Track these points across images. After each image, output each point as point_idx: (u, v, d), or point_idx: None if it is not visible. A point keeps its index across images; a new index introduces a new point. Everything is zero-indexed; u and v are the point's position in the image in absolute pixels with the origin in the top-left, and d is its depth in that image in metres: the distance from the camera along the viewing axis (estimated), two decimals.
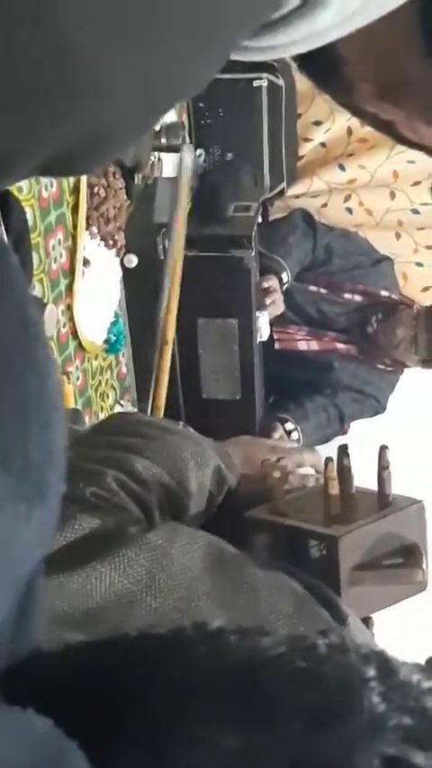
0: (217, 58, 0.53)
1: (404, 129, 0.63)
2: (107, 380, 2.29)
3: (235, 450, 1.19)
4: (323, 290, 3.14)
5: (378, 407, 3.16)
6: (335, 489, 1.11)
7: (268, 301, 2.77)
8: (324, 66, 0.61)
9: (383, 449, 1.14)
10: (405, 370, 3.17)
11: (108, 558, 0.88)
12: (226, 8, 0.49)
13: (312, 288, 3.13)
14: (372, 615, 1.12)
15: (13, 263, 0.43)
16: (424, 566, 1.08)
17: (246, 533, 1.13)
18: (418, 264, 3.38)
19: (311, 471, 1.21)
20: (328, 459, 1.12)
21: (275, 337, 3.01)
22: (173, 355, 2.40)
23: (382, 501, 1.12)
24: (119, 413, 1.72)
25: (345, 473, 1.12)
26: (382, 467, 1.12)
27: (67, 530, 0.89)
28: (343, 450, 1.14)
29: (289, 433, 2.90)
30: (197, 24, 0.48)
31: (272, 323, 2.84)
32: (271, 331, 2.85)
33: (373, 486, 1.12)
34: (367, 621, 1.09)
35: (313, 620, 0.93)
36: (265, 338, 2.75)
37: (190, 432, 1.16)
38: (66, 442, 0.42)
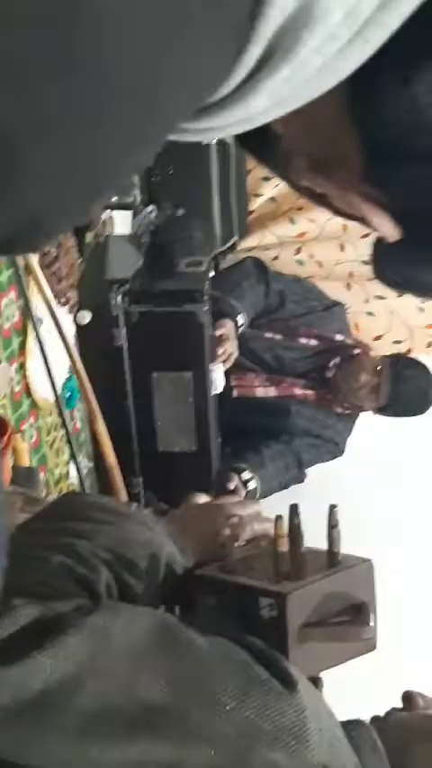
0: (153, 144, 0.54)
1: (338, 202, 0.64)
2: (62, 437, 2.28)
3: (188, 526, 1.19)
4: (278, 336, 3.16)
5: (336, 451, 3.17)
6: (284, 547, 1.11)
7: (220, 351, 2.77)
8: (260, 141, 0.62)
9: (332, 508, 1.14)
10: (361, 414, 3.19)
11: (48, 647, 0.86)
12: (160, 98, 0.49)
13: (268, 334, 3.15)
14: (321, 675, 1.11)
15: None
16: (372, 623, 1.07)
17: (196, 592, 1.12)
18: (369, 314, 3.42)
19: (262, 531, 1.21)
20: (278, 517, 1.12)
21: (234, 384, 3.02)
22: (129, 409, 2.41)
23: (332, 559, 1.12)
24: (69, 495, 1.69)
25: (295, 532, 1.12)
26: (332, 525, 1.12)
27: (6, 622, 0.88)
28: (293, 510, 1.15)
29: (246, 482, 2.89)
30: (133, 115, 0.49)
31: (229, 371, 2.85)
32: (228, 379, 2.86)
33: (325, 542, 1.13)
34: (316, 682, 1.08)
35: (263, 692, 0.92)
36: (220, 390, 2.75)
37: (142, 515, 1.15)
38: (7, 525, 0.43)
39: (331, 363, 3.13)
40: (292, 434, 3.09)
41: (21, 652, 0.86)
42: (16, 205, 0.48)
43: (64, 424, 2.19)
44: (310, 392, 3.15)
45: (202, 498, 1.27)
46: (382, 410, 3.10)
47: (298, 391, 3.14)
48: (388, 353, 3.21)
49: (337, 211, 0.66)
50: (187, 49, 0.48)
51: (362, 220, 0.64)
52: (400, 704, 1.14)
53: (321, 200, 0.66)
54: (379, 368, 3.05)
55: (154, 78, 0.48)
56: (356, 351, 3.17)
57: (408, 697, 1.13)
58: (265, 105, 0.54)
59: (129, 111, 0.48)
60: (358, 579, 1.10)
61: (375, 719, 1.11)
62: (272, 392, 3.14)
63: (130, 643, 0.89)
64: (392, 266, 0.67)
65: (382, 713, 1.14)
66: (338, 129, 0.58)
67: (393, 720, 1.12)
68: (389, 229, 0.62)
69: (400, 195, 0.60)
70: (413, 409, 3.08)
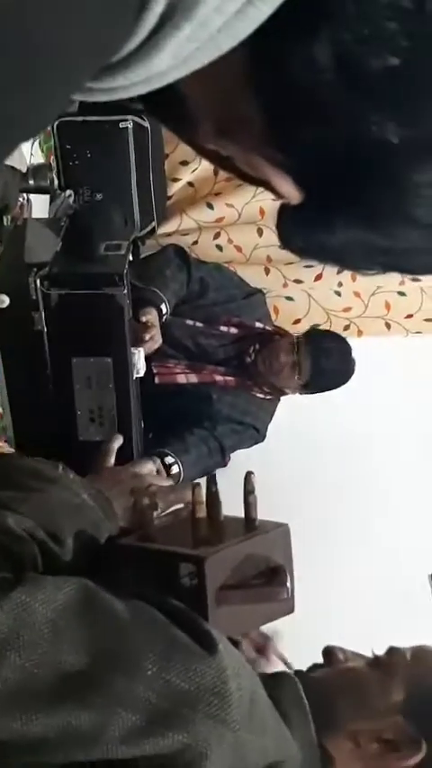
0: (57, 100, 0.55)
1: (243, 165, 0.65)
2: None
3: (112, 485, 1.20)
4: (199, 324, 3.17)
5: (257, 437, 3.20)
6: (202, 513, 1.13)
7: (147, 337, 2.77)
8: (166, 104, 0.63)
9: (249, 474, 1.16)
10: (282, 398, 3.22)
11: None
12: (61, 53, 0.50)
13: (189, 322, 3.16)
14: (240, 638, 1.14)
15: None
16: (288, 584, 1.10)
17: (117, 561, 1.14)
18: (288, 298, 3.45)
19: (180, 500, 1.23)
20: (196, 485, 1.14)
21: (155, 371, 3.02)
22: (49, 395, 2.39)
23: (249, 525, 1.14)
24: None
25: (212, 499, 1.15)
26: (248, 491, 1.15)
27: None
28: (211, 478, 1.17)
29: (169, 466, 2.89)
30: (33, 69, 0.49)
31: (150, 358, 2.85)
32: (149, 366, 2.86)
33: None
34: (236, 644, 1.10)
35: (184, 655, 0.93)
36: (141, 374, 2.74)
37: (69, 479, 1.15)
38: None
39: (251, 349, 3.15)
40: (215, 421, 3.10)
41: None
42: None
43: None
44: (230, 378, 3.16)
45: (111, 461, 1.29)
46: (306, 387, 3.12)
47: (218, 378, 3.16)
48: (308, 330, 3.25)
49: (243, 175, 0.67)
50: (88, 10, 0.48)
51: (266, 184, 0.65)
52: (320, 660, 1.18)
53: (227, 164, 0.67)
54: (296, 346, 3.08)
55: (60, 46, 0.49)
56: (276, 336, 3.20)
57: (328, 652, 1.15)
58: (168, 64, 0.55)
59: (28, 63, 0.49)
60: (275, 543, 1.13)
61: (298, 673, 1.14)
62: (193, 379, 3.14)
63: (51, 616, 0.89)
64: (296, 230, 0.68)
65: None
66: (239, 91, 0.59)
67: (315, 676, 1.14)
68: (290, 191, 0.63)
69: (300, 157, 0.61)
70: (336, 380, 3.12)
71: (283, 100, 0.58)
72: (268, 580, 1.10)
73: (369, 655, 1.17)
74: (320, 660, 1.18)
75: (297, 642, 1.22)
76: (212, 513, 1.14)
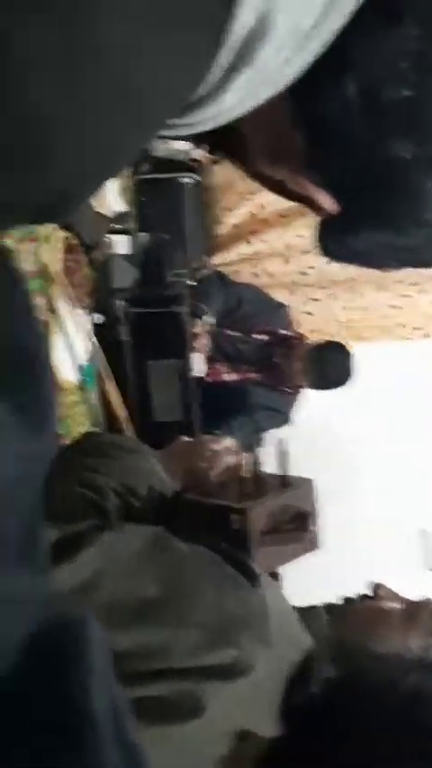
0: (149, 135, 0.55)
1: (292, 185, 0.63)
2: (82, 412, 2.27)
3: (177, 458, 1.20)
4: (237, 333, 3.17)
5: (286, 420, 3.17)
6: (247, 473, 1.13)
7: (196, 344, 2.79)
8: (232, 143, 0.63)
9: (281, 440, 1.16)
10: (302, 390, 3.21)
11: (70, 560, 0.86)
12: (155, 99, 0.50)
13: (229, 332, 3.16)
14: (279, 571, 1.12)
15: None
16: (313, 528, 1.09)
17: (183, 512, 1.14)
18: (308, 313, 3.43)
19: (231, 463, 1.22)
20: (241, 449, 1.13)
21: (206, 372, 3.03)
22: (130, 389, 2.41)
23: (283, 481, 1.14)
24: (89, 433, 1.71)
25: (254, 460, 1.14)
26: (281, 454, 1.14)
27: None
28: (251, 445, 1.16)
29: None
30: (135, 109, 0.49)
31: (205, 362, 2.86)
32: None
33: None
34: (276, 575, 1.09)
35: (234, 585, 0.91)
36: (201, 374, 2.76)
37: (144, 449, 1.16)
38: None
39: (276, 353, 3.13)
40: (253, 409, 3.09)
41: (49, 564, 0.86)
42: (52, 179, 0.49)
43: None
44: (262, 375, 3.14)
45: (185, 439, 1.29)
46: (316, 386, 3.10)
47: (254, 376, 3.14)
48: (317, 341, 3.21)
49: (291, 194, 0.65)
50: (175, 59, 0.48)
51: (310, 200, 0.63)
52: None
53: (279, 187, 0.65)
54: (306, 354, 3.05)
55: (151, 90, 0.48)
56: (296, 341, 3.17)
57: (375, 586, 1.11)
58: (233, 102, 0.54)
59: (133, 108, 0.48)
60: (302, 495, 1.12)
61: (329, 606, 1.10)
62: (235, 377, 3.14)
63: (130, 553, 0.89)
64: (330, 238, 0.65)
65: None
66: (286, 125, 0.58)
67: (344, 607, 1.09)
68: (329, 204, 0.62)
69: (335, 175, 0.60)
70: (334, 383, 3.06)
71: (319, 130, 0.57)
72: (298, 525, 1.09)
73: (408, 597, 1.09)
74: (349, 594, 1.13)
75: (323, 572, 1.19)
76: (254, 473, 1.14)
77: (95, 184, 0.55)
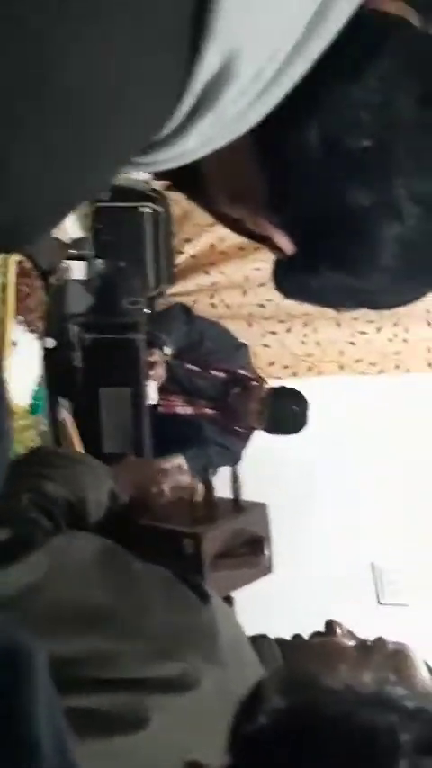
0: (111, 172, 0.55)
1: (249, 224, 0.64)
2: (31, 437, 2.23)
3: (124, 472, 1.19)
4: (195, 368, 3.16)
5: (236, 459, 3.08)
6: (199, 498, 1.11)
7: (152, 372, 2.77)
8: (189, 177, 0.63)
9: (235, 466, 1.15)
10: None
11: (19, 561, 0.86)
12: (119, 138, 0.50)
13: (187, 365, 3.15)
14: (232, 595, 1.11)
15: None
16: (267, 552, 1.08)
17: (133, 536, 1.11)
18: (265, 345, 3.44)
19: (183, 488, 1.21)
20: (193, 475, 1.12)
21: (160, 402, 3.00)
22: (80, 416, 2.36)
23: (236, 505, 1.12)
24: (39, 448, 1.69)
25: (207, 486, 1.13)
26: (234, 479, 1.13)
27: None
28: (205, 469, 1.15)
29: None
30: (97, 147, 0.49)
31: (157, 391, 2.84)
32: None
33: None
34: (229, 600, 1.08)
35: (184, 603, 0.91)
36: (153, 402, 2.73)
37: (90, 460, 1.15)
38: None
39: (233, 392, 3.11)
40: (205, 444, 3.06)
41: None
42: (7, 207, 0.48)
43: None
44: (217, 412, 3.13)
45: (134, 458, 1.28)
46: (270, 431, 3.08)
47: (208, 411, 3.13)
48: (275, 384, 3.19)
49: (249, 233, 0.66)
50: (140, 102, 0.49)
51: (267, 239, 0.64)
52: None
53: (237, 225, 0.66)
54: (263, 398, 3.04)
55: (114, 125, 0.48)
56: (254, 383, 3.16)
57: (329, 624, 1.08)
58: (195, 144, 0.55)
59: (96, 146, 0.49)
60: (256, 519, 1.11)
61: (279, 640, 1.08)
62: (189, 410, 3.12)
63: (82, 560, 0.88)
64: (287, 277, 0.66)
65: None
66: (247, 167, 0.59)
67: (301, 642, 1.08)
68: (286, 245, 0.62)
69: (293, 218, 0.61)
70: (286, 430, 3.06)
71: (280, 173, 0.58)
72: (252, 549, 1.08)
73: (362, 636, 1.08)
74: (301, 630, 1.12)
75: (275, 598, 1.18)
76: (207, 498, 1.12)
77: (53, 216, 0.55)
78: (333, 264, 0.62)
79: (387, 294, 0.64)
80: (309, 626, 1.11)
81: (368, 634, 1.07)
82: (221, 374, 3.16)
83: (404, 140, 0.54)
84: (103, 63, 0.45)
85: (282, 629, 1.11)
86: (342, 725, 0.63)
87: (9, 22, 0.42)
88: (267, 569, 1.10)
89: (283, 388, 3.14)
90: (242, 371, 3.20)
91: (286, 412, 3.01)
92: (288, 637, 1.09)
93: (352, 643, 1.05)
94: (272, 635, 1.08)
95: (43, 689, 0.40)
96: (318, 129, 0.54)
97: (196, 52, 0.48)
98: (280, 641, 1.07)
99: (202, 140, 0.54)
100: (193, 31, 0.47)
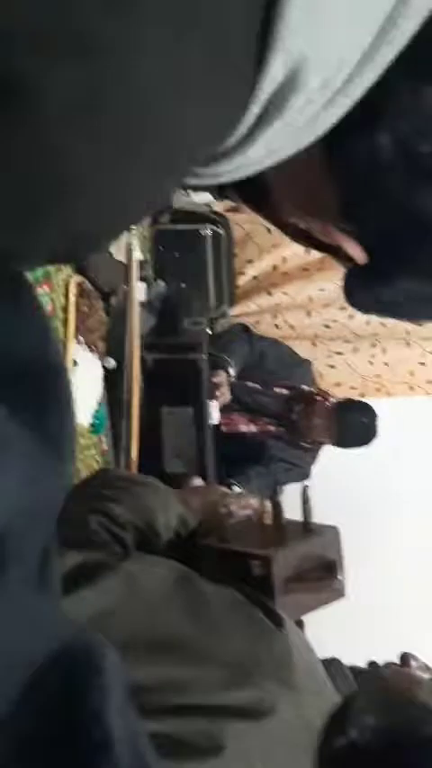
0: (173, 183, 0.54)
1: (319, 235, 0.63)
2: (93, 455, 2.24)
3: (193, 497, 1.17)
4: (258, 386, 3.15)
5: (304, 474, 3.12)
6: (268, 520, 1.08)
7: (218, 393, 2.76)
8: (256, 189, 0.62)
9: (306, 488, 1.12)
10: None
11: (91, 586, 0.85)
12: (181, 145, 0.49)
13: (250, 384, 3.14)
14: (303, 618, 1.08)
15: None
16: (340, 577, 1.04)
17: (201, 558, 1.09)
18: (331, 366, 3.41)
19: (251, 509, 1.18)
20: (263, 497, 1.10)
21: (222, 422, 3.00)
22: (142, 436, 2.37)
23: (306, 528, 1.09)
24: (103, 469, 1.68)
25: (276, 507, 1.10)
26: (305, 501, 1.10)
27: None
28: (274, 491, 1.12)
29: None
30: (161, 158, 0.48)
31: (220, 410, 2.83)
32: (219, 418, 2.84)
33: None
34: (300, 624, 1.05)
35: (259, 628, 0.89)
36: (216, 422, 2.73)
37: (158, 484, 1.14)
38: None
39: (296, 408, 3.09)
40: (270, 461, 3.05)
41: (69, 589, 0.83)
42: (75, 221, 0.48)
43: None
44: (281, 429, 3.11)
45: (198, 481, 1.26)
46: (339, 444, 3.06)
47: (272, 429, 3.11)
48: (341, 399, 3.18)
49: (319, 244, 0.64)
50: (208, 112, 0.48)
51: (337, 249, 0.62)
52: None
53: (303, 236, 0.65)
54: (329, 412, 3.01)
55: (179, 139, 0.48)
56: (318, 398, 3.14)
57: (404, 656, 1.07)
58: (261, 154, 0.54)
59: (159, 163, 0.48)
60: (328, 542, 1.08)
61: (353, 668, 1.06)
62: (252, 428, 3.11)
63: (155, 585, 0.87)
64: (360, 288, 0.64)
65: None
66: (317, 178, 0.57)
67: (374, 671, 1.06)
68: (358, 254, 0.61)
69: (367, 227, 0.59)
70: (358, 443, 3.02)
71: (351, 182, 0.56)
72: (323, 573, 1.04)
73: None
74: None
75: (346, 621, 1.14)
76: (276, 519, 1.09)
77: (116, 229, 0.55)
78: (408, 273, 0.60)
79: None
80: (381, 652, 1.08)
81: None
82: (284, 391, 3.14)
83: None
84: (172, 66, 0.44)
85: (354, 655, 1.08)
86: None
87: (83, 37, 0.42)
88: (340, 593, 1.06)
89: (349, 401, 3.13)
90: (305, 387, 3.18)
91: (355, 424, 2.99)
92: (362, 664, 1.07)
93: (427, 676, 1.03)
94: (345, 658, 1.06)
95: (116, 689, 0.40)
96: (390, 133, 0.52)
97: (263, 63, 0.47)
98: (354, 669, 1.05)
99: (269, 149, 0.54)
100: (259, 41, 0.47)
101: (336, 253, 0.63)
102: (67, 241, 0.50)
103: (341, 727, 0.60)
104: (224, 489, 1.33)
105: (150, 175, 0.49)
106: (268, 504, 1.11)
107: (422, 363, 3.38)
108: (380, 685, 0.97)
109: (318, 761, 0.59)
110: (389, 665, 1.06)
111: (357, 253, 0.61)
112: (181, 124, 0.47)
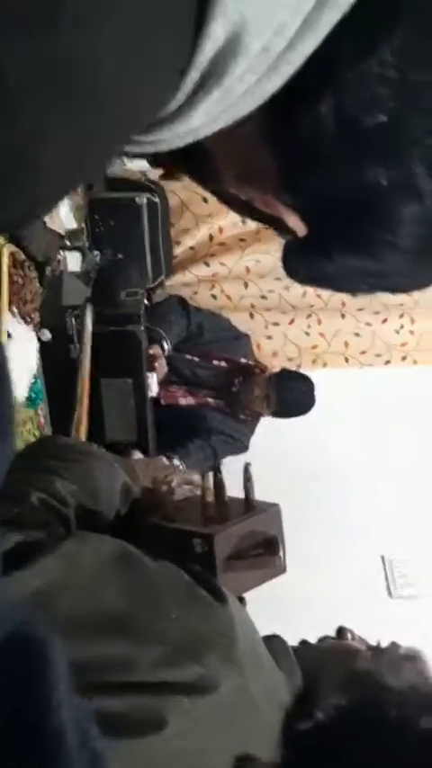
0: (114, 147, 0.54)
1: (259, 205, 0.62)
2: (29, 430, 2.21)
3: (137, 467, 1.17)
4: (196, 359, 3.15)
5: (243, 447, 3.16)
6: (210, 498, 1.09)
7: (156, 365, 2.77)
8: (195, 158, 0.61)
9: (247, 465, 1.13)
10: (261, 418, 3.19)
11: (28, 566, 0.84)
12: (125, 112, 0.49)
13: (188, 356, 3.14)
14: (244, 595, 1.10)
15: None
16: (281, 554, 1.06)
17: (144, 536, 1.10)
18: (268, 337, 3.43)
19: (193, 486, 1.19)
20: (204, 474, 1.10)
21: (161, 395, 3.00)
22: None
23: (248, 505, 1.11)
24: (46, 436, 1.66)
25: (218, 485, 1.11)
26: (246, 479, 1.11)
27: None
28: (216, 468, 1.13)
29: (175, 467, 2.86)
30: (103, 124, 0.48)
31: (158, 383, 2.83)
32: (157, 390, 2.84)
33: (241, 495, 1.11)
34: (242, 600, 1.07)
35: (202, 604, 0.90)
36: (154, 394, 2.73)
37: (103, 452, 1.14)
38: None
39: (236, 381, 3.13)
40: (209, 433, 3.07)
41: (7, 569, 0.82)
42: (27, 194, 0.48)
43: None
44: (220, 402, 3.13)
45: (138, 454, 1.26)
46: (275, 414, 3.11)
47: (211, 401, 3.13)
48: (279, 370, 3.22)
49: (259, 215, 0.64)
50: (146, 74, 0.47)
51: (278, 221, 0.62)
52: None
53: (245, 206, 0.64)
54: (267, 383, 3.05)
55: (120, 104, 0.47)
56: (257, 370, 3.17)
57: (341, 630, 1.10)
58: (201, 122, 0.53)
59: (102, 125, 0.48)
60: (269, 520, 1.09)
61: (302, 641, 1.09)
62: (191, 401, 3.13)
63: (96, 564, 0.87)
64: (298, 261, 0.64)
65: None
66: (257, 146, 0.57)
67: (315, 645, 1.09)
68: (298, 226, 0.60)
69: (306, 198, 0.59)
70: (296, 412, 3.09)
71: (292, 152, 0.56)
72: (264, 550, 1.06)
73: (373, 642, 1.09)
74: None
75: (286, 598, 1.17)
76: (218, 496, 1.10)
77: (59, 196, 0.55)
78: (348, 246, 0.60)
79: (404, 277, 0.63)
80: (322, 625, 1.11)
81: (380, 628, 1.08)
82: (223, 364, 3.16)
83: (422, 116, 0.52)
84: (112, 30, 0.44)
85: (295, 629, 1.11)
86: (405, 723, 0.64)
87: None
88: (281, 569, 1.08)
89: (286, 371, 3.18)
90: (244, 360, 3.20)
91: (294, 394, 3.04)
92: (296, 642, 1.09)
93: (364, 647, 1.06)
94: (285, 634, 1.08)
95: (63, 679, 0.40)
96: (332, 105, 0.52)
97: (201, 25, 0.47)
98: (302, 642, 1.08)
99: (209, 118, 0.53)
100: (199, 4, 0.46)
101: (276, 224, 0.63)
102: (24, 209, 0.49)
103: (306, 707, 0.61)
104: (166, 462, 1.34)
105: (93, 138, 0.48)
106: (210, 481, 1.12)
107: (357, 334, 3.43)
108: (312, 662, 0.99)
109: (282, 739, 0.61)
110: (325, 638, 1.10)
111: (297, 225, 0.60)
112: (124, 90, 0.46)
